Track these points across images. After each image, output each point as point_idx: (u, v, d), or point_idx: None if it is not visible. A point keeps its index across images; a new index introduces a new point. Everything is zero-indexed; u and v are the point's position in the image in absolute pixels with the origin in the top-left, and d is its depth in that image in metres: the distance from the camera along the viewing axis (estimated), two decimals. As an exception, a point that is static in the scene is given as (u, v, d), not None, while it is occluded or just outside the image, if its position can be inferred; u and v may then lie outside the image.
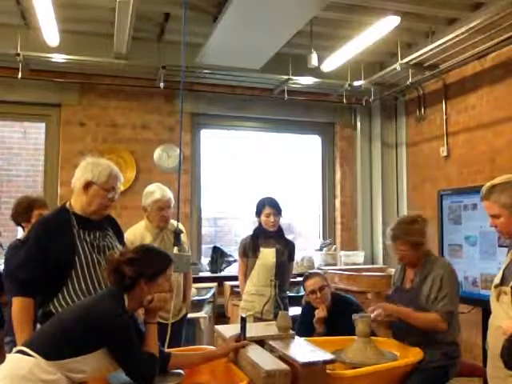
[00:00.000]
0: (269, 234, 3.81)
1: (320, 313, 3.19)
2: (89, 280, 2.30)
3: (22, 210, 3.30)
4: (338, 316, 3.15)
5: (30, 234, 2.43)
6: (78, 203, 2.41)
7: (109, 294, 2.04)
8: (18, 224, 3.38)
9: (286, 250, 3.84)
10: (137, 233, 3.36)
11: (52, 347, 1.87)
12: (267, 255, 3.75)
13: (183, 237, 3.33)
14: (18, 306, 2.26)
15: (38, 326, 2.28)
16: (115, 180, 2.44)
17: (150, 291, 2.03)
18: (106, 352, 1.90)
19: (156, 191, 3.39)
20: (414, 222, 2.75)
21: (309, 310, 3.34)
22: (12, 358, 1.90)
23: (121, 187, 2.54)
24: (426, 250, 2.76)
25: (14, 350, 1.94)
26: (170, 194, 3.40)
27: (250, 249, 3.80)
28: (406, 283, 2.81)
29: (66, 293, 2.28)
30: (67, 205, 2.43)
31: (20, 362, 1.85)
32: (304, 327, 3.24)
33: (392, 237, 2.76)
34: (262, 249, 3.77)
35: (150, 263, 2.05)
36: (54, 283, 2.29)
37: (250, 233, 3.92)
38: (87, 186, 2.38)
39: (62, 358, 1.84)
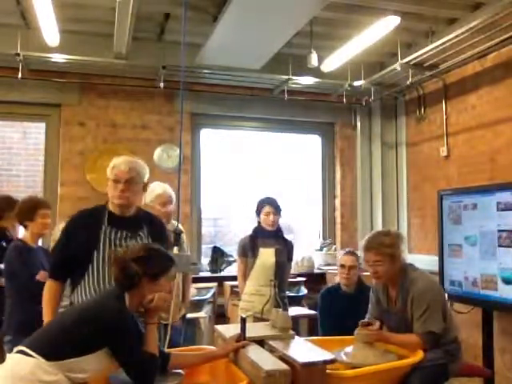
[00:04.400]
0: (267, 234, 3.82)
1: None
2: (101, 277, 2.36)
3: (27, 210, 3.32)
4: (360, 295, 3.29)
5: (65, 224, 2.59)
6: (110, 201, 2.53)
7: (110, 293, 2.05)
8: (22, 223, 3.39)
9: (285, 249, 3.86)
10: None
11: (53, 348, 1.87)
12: (267, 255, 3.76)
13: (183, 237, 3.33)
14: (46, 289, 2.44)
15: None
16: (116, 170, 2.49)
17: (150, 291, 2.03)
18: (107, 352, 1.90)
19: (157, 188, 3.44)
20: (388, 234, 2.80)
21: (329, 295, 3.62)
22: (13, 357, 1.90)
23: (125, 175, 2.49)
24: (403, 266, 2.75)
25: (15, 349, 1.94)
26: (170, 190, 3.44)
27: (249, 248, 3.81)
28: (391, 304, 2.79)
29: (82, 286, 2.38)
30: (107, 203, 2.54)
31: (21, 362, 1.85)
32: (327, 312, 3.53)
33: (365, 247, 2.76)
34: (261, 249, 3.78)
35: (155, 262, 2.06)
36: (76, 275, 2.40)
37: (249, 233, 3.92)
38: (109, 182, 2.51)
39: (62, 359, 1.84)
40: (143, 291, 2.02)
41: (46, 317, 2.36)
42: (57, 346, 1.88)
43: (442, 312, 2.62)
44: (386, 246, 2.71)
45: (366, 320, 2.68)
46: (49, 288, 2.44)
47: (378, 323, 2.74)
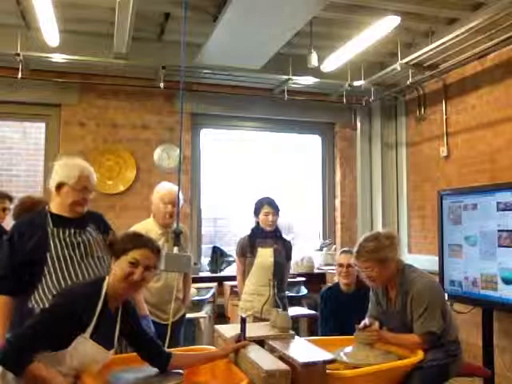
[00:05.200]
0: (266, 234, 3.82)
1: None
2: (61, 275, 2.38)
3: (25, 211, 3.31)
4: (360, 295, 3.32)
5: (7, 235, 2.53)
6: (54, 203, 2.53)
7: (92, 279, 2.16)
8: None
9: (284, 249, 3.86)
10: (143, 231, 3.33)
11: None
12: (265, 255, 3.76)
13: (183, 237, 3.32)
14: None
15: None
16: (86, 180, 2.52)
17: (118, 269, 2.04)
18: (83, 342, 1.91)
19: (165, 186, 3.45)
20: (374, 239, 2.71)
21: (329, 294, 3.65)
22: None
23: (92, 186, 2.56)
24: (401, 267, 2.74)
25: None
26: (177, 192, 3.42)
27: (248, 249, 3.82)
28: (391, 305, 2.78)
29: (40, 289, 2.37)
30: (46, 207, 2.55)
31: None
32: (327, 311, 3.55)
33: (355, 255, 2.73)
34: (259, 249, 3.78)
35: (120, 242, 2.09)
36: (30, 281, 2.38)
37: (248, 232, 3.92)
38: (59, 186, 2.48)
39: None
40: (115, 272, 2.04)
41: None
42: None
43: (441, 312, 2.62)
44: (371, 251, 2.66)
45: (362, 325, 2.67)
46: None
47: (377, 324, 2.73)
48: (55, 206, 2.51)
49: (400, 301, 2.69)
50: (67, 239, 2.43)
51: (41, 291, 2.37)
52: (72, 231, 2.46)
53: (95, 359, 1.98)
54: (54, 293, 2.31)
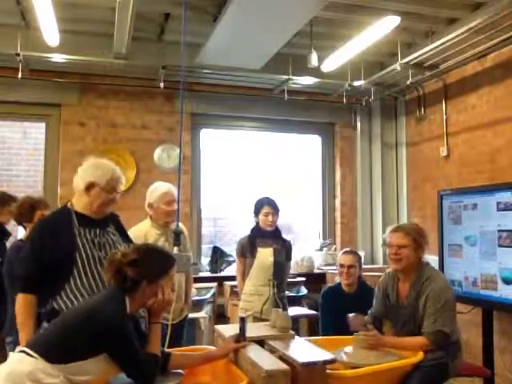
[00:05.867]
0: (266, 234, 3.82)
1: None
2: (90, 276, 2.35)
3: (25, 211, 3.31)
4: (361, 295, 3.40)
5: (30, 234, 2.52)
6: (79, 203, 2.48)
7: (110, 296, 2.00)
8: (20, 224, 3.39)
9: (284, 249, 3.86)
10: (141, 232, 3.34)
11: (54, 351, 1.85)
12: (265, 255, 3.76)
13: (184, 237, 3.33)
14: (19, 303, 2.34)
15: (45, 324, 2.31)
16: (117, 182, 2.50)
17: (152, 292, 2.01)
18: (108, 356, 1.90)
19: (161, 186, 3.43)
20: (419, 226, 2.87)
21: (330, 294, 3.70)
22: (15, 356, 1.89)
23: (122, 187, 2.57)
24: (421, 263, 2.76)
25: (17, 349, 1.93)
26: (174, 189, 3.42)
27: (248, 249, 3.82)
28: (400, 299, 2.79)
29: (69, 290, 2.34)
30: (68, 204, 2.50)
31: (22, 361, 1.84)
32: (328, 311, 3.57)
33: (395, 228, 2.84)
34: (259, 249, 3.78)
35: (153, 264, 2.04)
36: (57, 281, 2.34)
37: (248, 233, 3.93)
38: (89, 187, 2.44)
39: (64, 363, 1.83)
40: (144, 293, 2.00)
41: (25, 334, 2.28)
42: (58, 350, 1.86)
43: (453, 313, 2.63)
44: (415, 231, 2.78)
45: (352, 315, 2.77)
46: (22, 304, 2.33)
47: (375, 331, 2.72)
48: (80, 205, 2.46)
49: (413, 295, 2.69)
50: (95, 240, 2.41)
51: (68, 291, 2.33)
52: (97, 231, 2.44)
53: (114, 371, 1.96)
54: (83, 293, 2.31)
